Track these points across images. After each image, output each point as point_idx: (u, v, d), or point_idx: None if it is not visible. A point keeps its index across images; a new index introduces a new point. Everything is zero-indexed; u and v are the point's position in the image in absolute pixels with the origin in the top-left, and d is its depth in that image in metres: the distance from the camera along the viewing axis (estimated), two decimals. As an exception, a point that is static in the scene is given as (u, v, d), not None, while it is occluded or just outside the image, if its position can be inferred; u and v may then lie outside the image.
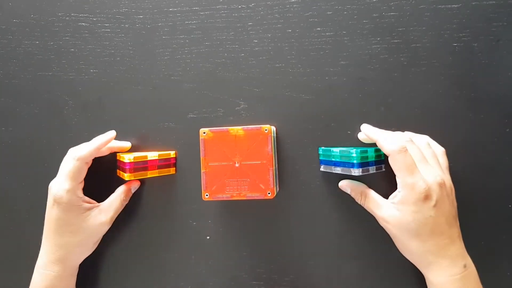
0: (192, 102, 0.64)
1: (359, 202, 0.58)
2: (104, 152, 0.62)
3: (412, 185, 0.49)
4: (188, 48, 0.64)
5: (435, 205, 0.49)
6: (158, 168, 0.61)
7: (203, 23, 0.64)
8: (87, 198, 0.60)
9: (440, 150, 0.55)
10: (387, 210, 0.53)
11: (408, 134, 0.56)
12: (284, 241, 0.62)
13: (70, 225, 0.58)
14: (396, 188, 0.52)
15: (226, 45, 0.63)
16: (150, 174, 0.61)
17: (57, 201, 0.57)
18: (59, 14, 0.67)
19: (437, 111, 0.59)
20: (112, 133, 0.62)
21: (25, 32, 0.68)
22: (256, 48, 0.62)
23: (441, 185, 0.50)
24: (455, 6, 0.58)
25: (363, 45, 0.60)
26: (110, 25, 0.66)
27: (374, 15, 0.60)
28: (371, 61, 0.60)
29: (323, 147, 0.60)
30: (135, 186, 0.64)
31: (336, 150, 0.56)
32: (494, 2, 0.58)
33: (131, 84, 0.65)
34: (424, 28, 0.59)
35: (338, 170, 0.57)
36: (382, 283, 0.60)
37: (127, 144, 0.65)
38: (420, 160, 0.51)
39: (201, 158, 0.56)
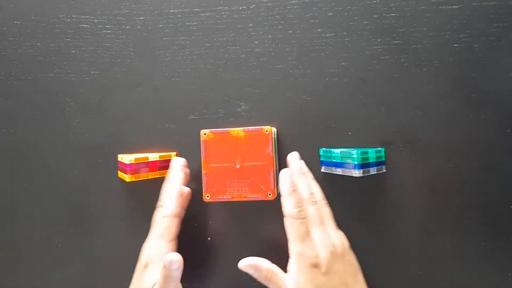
0: (193, 103, 0.64)
1: (262, 281, 0.54)
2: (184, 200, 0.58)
3: (301, 253, 0.50)
4: (189, 50, 0.64)
5: (325, 273, 0.49)
6: (159, 169, 0.62)
7: (204, 25, 0.64)
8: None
9: (323, 200, 0.56)
10: (289, 284, 0.51)
11: (308, 187, 0.56)
12: (285, 242, 0.62)
13: None
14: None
15: (227, 46, 0.63)
16: (151, 175, 0.61)
17: (149, 264, 0.55)
18: (60, 15, 0.67)
19: (437, 112, 0.59)
20: (178, 162, 0.59)
21: (26, 33, 0.68)
22: (257, 49, 0.63)
23: (331, 251, 0.50)
24: (456, 6, 0.58)
25: (363, 46, 0.60)
26: (111, 26, 0.66)
27: (375, 16, 0.60)
28: (371, 62, 0.60)
29: (323, 148, 0.60)
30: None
31: (337, 151, 0.57)
32: (494, 2, 0.58)
33: (132, 86, 0.65)
34: (424, 29, 0.59)
35: (339, 171, 0.57)
36: (382, 283, 0.60)
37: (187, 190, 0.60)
38: (314, 224, 0.51)
39: (202, 159, 0.56)
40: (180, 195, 0.56)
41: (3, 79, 0.68)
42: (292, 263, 0.51)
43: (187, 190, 0.58)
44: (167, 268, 0.51)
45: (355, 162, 0.54)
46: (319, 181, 0.61)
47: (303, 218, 0.51)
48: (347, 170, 0.55)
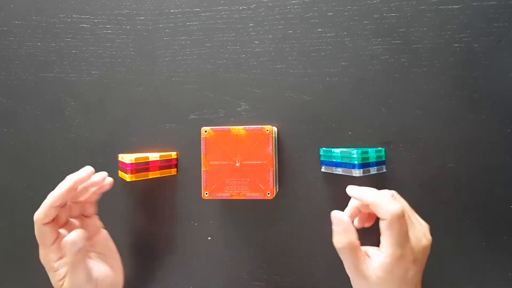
0: (193, 103, 0.64)
1: (341, 256, 0.50)
2: (82, 193, 0.56)
3: (400, 257, 0.46)
4: (189, 49, 0.64)
5: (416, 273, 0.47)
6: (159, 169, 0.61)
7: (204, 24, 0.64)
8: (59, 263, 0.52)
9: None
10: (365, 271, 0.48)
11: (388, 192, 0.51)
12: (285, 242, 0.62)
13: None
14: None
15: (227, 46, 0.63)
16: (152, 175, 0.61)
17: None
18: (61, 15, 0.67)
19: (438, 112, 0.59)
20: (85, 171, 0.54)
21: (26, 33, 0.68)
22: (257, 49, 0.63)
23: (427, 247, 0.48)
24: (456, 6, 0.58)
25: (364, 46, 0.60)
26: (111, 26, 0.66)
27: (375, 16, 0.60)
28: (372, 62, 0.60)
29: (324, 148, 0.60)
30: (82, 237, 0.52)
31: (337, 150, 0.56)
32: (495, 2, 0.58)
33: (133, 85, 0.65)
34: (425, 28, 0.59)
35: (339, 171, 0.57)
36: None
37: (109, 180, 0.58)
38: (409, 223, 0.48)
39: (202, 156, 0.56)
40: (51, 203, 0.51)
41: (3, 79, 0.68)
42: (383, 264, 0.46)
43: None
44: (69, 251, 0.50)
45: (356, 162, 0.54)
46: (319, 181, 0.61)
47: (404, 216, 0.46)
48: (347, 170, 0.55)
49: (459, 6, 0.58)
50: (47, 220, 0.51)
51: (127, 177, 0.59)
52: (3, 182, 0.68)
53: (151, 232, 0.65)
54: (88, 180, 0.55)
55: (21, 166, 0.68)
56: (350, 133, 0.60)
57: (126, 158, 0.59)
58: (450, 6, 0.58)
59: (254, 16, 0.63)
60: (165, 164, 0.62)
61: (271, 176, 0.55)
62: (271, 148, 0.55)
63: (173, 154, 0.63)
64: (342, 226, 0.49)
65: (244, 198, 0.55)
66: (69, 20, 0.67)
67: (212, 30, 0.64)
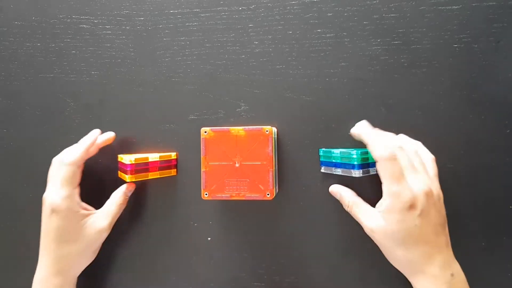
0: (193, 104, 0.64)
1: (346, 209, 0.57)
2: (93, 152, 0.62)
3: (397, 193, 0.49)
4: (189, 50, 0.64)
5: (420, 215, 0.48)
6: (159, 170, 0.61)
7: (203, 25, 0.64)
8: (84, 205, 0.60)
9: (430, 157, 0.54)
10: (373, 219, 0.52)
11: (400, 139, 0.55)
12: (285, 242, 0.62)
13: (69, 233, 0.57)
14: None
15: (227, 46, 0.63)
16: (151, 175, 0.61)
17: (55, 210, 0.56)
18: (60, 16, 0.67)
19: (437, 112, 0.59)
20: (96, 132, 0.63)
21: (26, 34, 0.68)
22: (257, 50, 0.63)
23: (428, 194, 0.49)
24: (456, 7, 0.58)
25: (363, 47, 0.60)
26: (111, 27, 0.66)
27: (375, 16, 0.60)
28: (371, 63, 0.60)
29: (323, 149, 0.60)
30: (131, 189, 0.64)
31: (337, 151, 0.56)
32: (494, 3, 0.58)
33: (132, 86, 0.65)
34: (424, 29, 0.59)
35: (338, 171, 0.57)
36: (383, 284, 0.60)
37: (111, 135, 0.64)
38: (408, 168, 0.50)
39: (201, 157, 0.56)
40: (86, 148, 0.60)
41: (3, 79, 0.68)
42: (384, 204, 0.50)
43: (95, 136, 0.62)
44: (125, 193, 0.62)
45: (355, 163, 0.54)
46: (318, 182, 0.61)
47: (394, 159, 0.49)
48: (347, 170, 0.55)
49: (458, 7, 0.58)
50: (81, 163, 0.59)
51: (127, 178, 0.59)
52: (3, 183, 0.68)
53: (151, 233, 0.65)
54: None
55: (21, 167, 0.68)
56: (349, 133, 0.60)
57: (126, 158, 0.59)
58: (450, 7, 0.58)
59: (254, 16, 0.63)
60: (165, 164, 0.62)
61: (270, 176, 0.55)
62: (270, 149, 0.55)
63: (173, 155, 0.63)
64: (339, 193, 0.59)
65: (243, 198, 0.55)
66: (68, 20, 0.67)
67: (212, 31, 0.64)
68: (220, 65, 0.63)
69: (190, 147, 0.63)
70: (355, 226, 0.60)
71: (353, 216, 0.56)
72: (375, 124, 0.59)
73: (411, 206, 0.48)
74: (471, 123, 0.58)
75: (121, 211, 0.62)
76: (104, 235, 0.60)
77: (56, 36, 0.67)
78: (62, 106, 0.67)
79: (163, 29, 0.65)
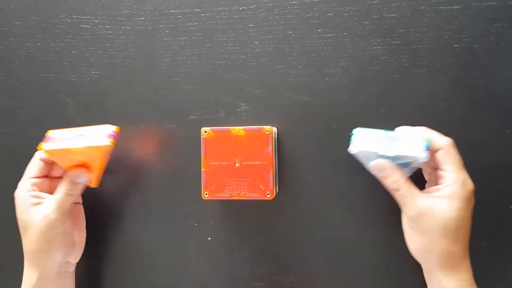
0: (193, 104, 0.64)
1: (390, 188, 0.51)
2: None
3: (464, 181, 0.48)
4: (189, 50, 0.64)
5: (472, 209, 0.49)
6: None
7: (204, 25, 0.64)
8: (37, 193, 0.58)
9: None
10: (426, 202, 0.49)
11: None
12: (285, 242, 0.62)
13: (23, 221, 0.57)
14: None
15: (227, 46, 0.63)
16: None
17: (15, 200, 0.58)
18: (61, 16, 0.67)
19: (437, 112, 0.59)
20: None
21: (26, 34, 0.68)
22: (257, 50, 0.63)
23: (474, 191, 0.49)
24: (456, 7, 0.58)
25: (363, 47, 0.60)
26: (111, 27, 0.66)
27: (375, 16, 0.60)
28: (371, 62, 0.60)
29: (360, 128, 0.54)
30: (80, 176, 0.58)
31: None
32: (494, 3, 0.58)
33: (132, 86, 0.65)
34: (424, 29, 0.59)
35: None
36: (383, 284, 0.60)
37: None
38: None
39: (201, 157, 0.56)
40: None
41: (3, 79, 0.68)
42: (448, 189, 0.48)
43: None
44: (72, 178, 0.57)
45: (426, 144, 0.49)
46: (319, 181, 0.61)
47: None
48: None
49: (458, 7, 0.58)
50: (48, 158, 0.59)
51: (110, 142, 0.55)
52: (3, 183, 0.68)
53: (151, 232, 0.65)
54: None
55: (21, 167, 0.68)
56: (349, 133, 0.60)
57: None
58: (450, 7, 0.58)
59: (254, 16, 0.63)
60: None
61: (271, 176, 0.55)
62: (271, 149, 0.55)
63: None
64: (385, 170, 0.51)
65: (244, 198, 0.55)
66: (69, 20, 0.67)
67: (212, 31, 0.64)
68: (221, 65, 0.63)
69: (190, 147, 0.63)
70: (355, 226, 0.60)
71: (398, 196, 0.51)
72: (375, 124, 0.59)
73: (471, 197, 0.48)
74: (471, 123, 0.58)
75: (70, 199, 0.58)
76: (53, 223, 0.55)
77: (57, 36, 0.67)
78: (63, 106, 0.67)
79: (163, 29, 0.65)
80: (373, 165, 0.52)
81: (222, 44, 0.63)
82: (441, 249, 0.49)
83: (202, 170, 0.56)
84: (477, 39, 0.58)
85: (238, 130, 0.55)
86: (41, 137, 0.67)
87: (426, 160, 0.48)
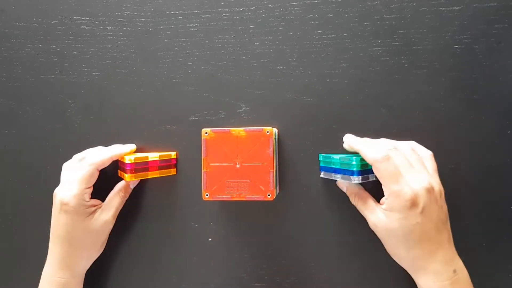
0: (193, 105, 0.64)
1: (352, 203, 0.58)
2: (108, 161, 0.62)
3: (397, 192, 0.49)
4: (190, 51, 0.64)
5: (422, 212, 0.48)
6: (158, 169, 0.62)
7: (204, 26, 0.64)
8: (92, 201, 0.60)
9: (427, 154, 0.54)
10: (376, 215, 0.53)
11: (392, 142, 0.55)
12: (285, 243, 0.62)
13: (77, 230, 0.58)
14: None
15: (228, 47, 0.63)
16: (151, 175, 0.61)
17: (63, 207, 0.57)
18: (62, 17, 0.67)
19: (438, 113, 0.59)
20: (132, 146, 0.64)
21: (28, 35, 0.68)
22: (258, 51, 0.63)
23: (429, 190, 0.49)
24: (456, 8, 0.58)
25: (364, 47, 0.60)
26: (112, 28, 0.66)
27: (375, 17, 0.60)
28: (372, 63, 0.60)
29: (323, 154, 0.60)
30: (134, 182, 0.64)
31: (336, 157, 0.56)
32: (495, 4, 0.58)
33: (133, 87, 0.65)
34: (425, 30, 0.59)
35: (338, 177, 0.57)
36: (382, 285, 0.60)
37: (132, 147, 0.64)
38: (405, 167, 0.50)
39: (202, 158, 0.56)
40: (112, 156, 0.60)
41: (5, 80, 0.69)
42: (386, 202, 0.51)
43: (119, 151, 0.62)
44: (127, 184, 0.63)
45: (354, 169, 0.53)
46: (319, 183, 0.61)
47: (388, 159, 0.50)
48: (346, 176, 0.55)
49: (459, 8, 0.58)
50: (102, 167, 0.60)
51: (127, 177, 0.59)
52: (4, 184, 0.68)
53: (152, 233, 0.65)
54: None
55: (22, 168, 0.68)
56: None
57: (126, 158, 0.59)
58: (450, 8, 0.58)
59: (255, 17, 0.63)
60: (165, 164, 0.62)
61: (271, 177, 0.55)
62: (271, 150, 0.55)
63: (173, 154, 0.64)
64: (345, 186, 0.59)
65: (244, 199, 0.55)
66: (70, 21, 0.67)
67: (213, 32, 0.64)
68: (221, 66, 0.64)
69: (191, 148, 0.63)
70: (355, 227, 0.60)
71: (359, 210, 0.56)
72: (375, 125, 0.59)
73: (413, 204, 0.48)
74: (471, 123, 0.58)
75: (124, 202, 0.63)
76: (109, 227, 0.61)
77: (58, 37, 0.67)
78: (63, 107, 0.67)
79: (164, 30, 0.65)
80: (337, 183, 0.61)
81: (222, 45, 0.64)
82: (401, 255, 0.52)
83: (202, 171, 0.56)
84: (477, 40, 0.58)
85: (239, 131, 0.55)
86: (41, 137, 0.67)
87: (357, 182, 0.54)
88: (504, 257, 0.58)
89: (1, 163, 0.69)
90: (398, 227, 0.49)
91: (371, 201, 0.55)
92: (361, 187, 0.58)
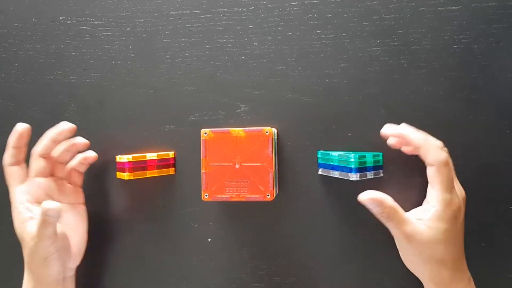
0: (193, 105, 0.64)
1: (379, 216, 0.51)
2: (65, 156, 0.60)
3: (449, 201, 0.47)
4: (188, 51, 0.64)
5: (462, 222, 0.49)
6: (157, 168, 0.62)
7: (203, 26, 0.64)
8: (30, 206, 0.56)
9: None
10: (413, 227, 0.49)
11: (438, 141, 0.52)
12: (285, 243, 0.62)
13: (19, 233, 0.56)
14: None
15: (227, 48, 0.63)
16: (150, 173, 0.61)
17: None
18: (61, 18, 0.67)
19: (437, 113, 0.59)
20: (62, 124, 0.59)
21: (26, 36, 0.68)
22: (257, 51, 0.63)
23: (465, 200, 0.49)
24: (455, 8, 0.58)
25: (363, 47, 0.60)
26: (111, 28, 0.66)
27: (374, 17, 0.60)
28: (371, 63, 0.60)
29: (322, 151, 0.60)
30: (54, 211, 0.51)
31: (335, 154, 0.56)
32: (494, 3, 0.58)
33: (132, 87, 0.65)
34: (424, 30, 0.59)
35: (336, 174, 0.57)
36: (382, 285, 0.60)
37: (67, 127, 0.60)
38: (454, 174, 0.50)
39: (201, 158, 0.56)
40: (49, 139, 0.58)
41: (3, 81, 0.68)
42: (432, 211, 0.48)
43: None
44: (45, 214, 0.51)
45: (352, 166, 0.53)
46: (319, 183, 0.61)
47: (448, 164, 0.48)
48: (344, 173, 0.55)
49: (458, 7, 0.58)
50: (43, 152, 0.57)
51: (125, 176, 0.59)
52: (3, 183, 0.68)
53: (151, 234, 0.65)
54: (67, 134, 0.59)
55: (21, 168, 0.68)
56: (349, 134, 0.60)
57: (124, 157, 0.59)
58: (449, 7, 0.58)
59: (254, 18, 0.63)
60: (163, 163, 0.62)
61: (270, 177, 0.55)
62: (270, 150, 0.55)
63: (171, 154, 0.63)
64: (379, 205, 0.50)
65: (244, 200, 0.55)
66: (68, 22, 0.67)
67: (212, 32, 0.64)
68: (220, 66, 0.63)
69: (190, 149, 0.63)
70: (355, 227, 0.60)
71: (388, 223, 0.50)
72: (375, 125, 0.59)
73: (457, 215, 0.48)
74: (471, 123, 0.58)
75: (50, 225, 0.52)
76: (42, 244, 0.53)
77: (56, 37, 0.67)
78: (62, 107, 0.67)
79: (163, 31, 0.65)
80: (362, 200, 0.51)
81: (221, 45, 0.64)
82: (430, 271, 0.50)
83: (202, 171, 0.56)
84: (476, 39, 0.58)
85: (238, 131, 0.55)
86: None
87: (355, 179, 0.53)
88: (504, 257, 0.58)
89: (0, 164, 0.69)
90: (441, 240, 0.48)
91: (403, 212, 0.50)
92: (390, 198, 0.51)
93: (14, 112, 0.68)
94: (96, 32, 0.66)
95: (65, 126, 0.59)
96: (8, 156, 0.57)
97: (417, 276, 0.54)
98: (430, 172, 0.49)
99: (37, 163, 0.58)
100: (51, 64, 0.67)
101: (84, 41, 0.67)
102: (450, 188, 0.48)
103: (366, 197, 0.50)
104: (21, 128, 0.58)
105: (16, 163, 0.58)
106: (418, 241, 0.49)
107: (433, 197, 0.49)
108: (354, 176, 0.53)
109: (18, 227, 0.56)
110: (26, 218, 0.55)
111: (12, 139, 0.58)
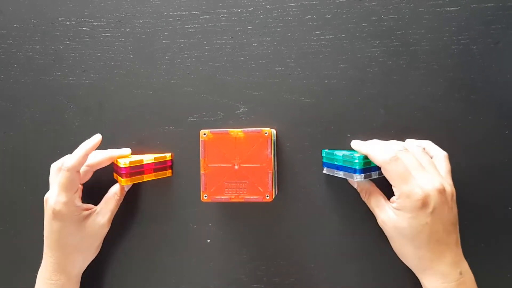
0: (192, 106, 0.64)
1: (363, 199, 0.58)
2: (105, 162, 0.62)
3: (407, 193, 0.49)
4: (188, 52, 0.64)
5: (432, 212, 0.48)
6: (154, 172, 0.62)
7: (202, 27, 0.64)
8: (85, 206, 0.60)
9: (441, 155, 0.54)
10: (386, 212, 0.53)
11: (401, 143, 0.56)
12: (284, 244, 0.62)
13: (72, 235, 0.58)
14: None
15: (226, 48, 0.63)
16: (147, 177, 0.61)
17: (56, 215, 0.56)
18: (60, 18, 0.67)
19: (436, 114, 0.59)
20: (97, 137, 0.60)
21: (25, 36, 0.68)
22: (256, 52, 0.63)
23: (440, 191, 0.49)
24: (454, 9, 0.58)
25: (362, 48, 0.60)
26: (110, 29, 0.66)
27: (373, 18, 0.60)
28: (370, 64, 0.60)
29: (326, 150, 0.60)
30: (128, 184, 0.64)
31: (340, 154, 0.56)
32: (492, 4, 0.58)
33: (131, 88, 0.65)
34: (423, 31, 0.59)
35: (340, 174, 0.57)
36: (382, 285, 0.60)
37: (127, 152, 0.64)
38: (416, 168, 0.50)
39: (200, 159, 0.56)
40: (85, 153, 0.57)
41: (2, 82, 0.68)
42: (397, 202, 0.51)
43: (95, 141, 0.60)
44: (122, 187, 0.63)
45: (357, 167, 0.53)
46: (317, 183, 0.61)
47: (397, 160, 0.50)
48: (349, 174, 0.55)
49: (457, 8, 0.58)
50: (79, 168, 0.57)
51: (122, 181, 0.59)
52: (3, 185, 0.68)
53: (150, 235, 0.65)
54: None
55: (20, 169, 0.68)
56: (348, 135, 0.60)
57: (121, 162, 0.59)
58: (448, 8, 0.58)
59: (253, 18, 0.63)
60: (160, 166, 0.62)
61: (270, 178, 0.55)
62: (270, 151, 0.55)
63: (168, 156, 0.63)
64: (355, 183, 0.59)
65: (243, 200, 0.55)
66: (67, 23, 0.67)
67: (211, 33, 0.64)
68: (219, 67, 0.63)
69: (189, 149, 0.63)
70: (355, 227, 0.60)
71: (369, 206, 0.57)
72: (374, 125, 0.59)
73: (423, 204, 0.48)
74: (470, 124, 0.58)
75: (119, 205, 0.63)
76: (105, 231, 0.62)
77: (55, 38, 0.67)
78: (62, 108, 0.67)
79: (162, 32, 0.65)
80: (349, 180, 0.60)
81: (220, 46, 0.64)
82: (408, 254, 0.52)
83: (201, 172, 0.56)
84: (475, 40, 0.58)
85: (237, 132, 0.55)
86: (39, 139, 0.67)
87: (359, 180, 0.54)
88: (504, 257, 0.58)
89: (3, 165, 0.69)
90: (407, 226, 0.50)
91: (382, 198, 0.55)
92: (372, 183, 0.58)
93: (13, 113, 0.68)
94: (95, 33, 0.66)
95: (98, 139, 0.60)
96: (77, 162, 0.56)
97: (404, 262, 0.54)
98: (383, 173, 0.52)
99: (75, 177, 0.57)
100: (50, 65, 0.67)
101: (83, 42, 0.67)
102: (404, 181, 0.49)
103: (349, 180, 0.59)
104: (98, 139, 0.60)
105: (79, 171, 0.58)
106: (389, 226, 0.52)
107: (394, 191, 0.51)
108: (358, 177, 0.53)
109: (75, 226, 0.58)
110: (85, 216, 0.59)
111: (87, 146, 0.58)
